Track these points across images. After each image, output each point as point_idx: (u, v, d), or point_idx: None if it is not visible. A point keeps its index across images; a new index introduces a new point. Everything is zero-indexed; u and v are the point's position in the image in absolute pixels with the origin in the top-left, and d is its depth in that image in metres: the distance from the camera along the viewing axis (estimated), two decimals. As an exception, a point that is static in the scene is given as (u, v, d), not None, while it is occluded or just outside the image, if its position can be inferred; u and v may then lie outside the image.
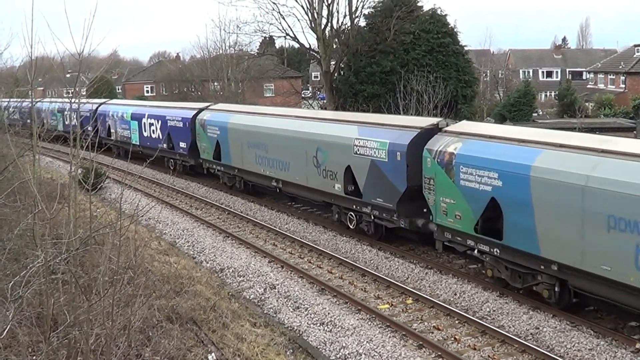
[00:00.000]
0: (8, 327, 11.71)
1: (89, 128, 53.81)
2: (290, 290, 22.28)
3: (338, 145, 28.40)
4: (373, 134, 26.69)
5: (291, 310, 20.70)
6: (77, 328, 13.49)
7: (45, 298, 14.30)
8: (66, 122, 59.71)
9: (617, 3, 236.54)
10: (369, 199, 26.91)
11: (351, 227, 28.73)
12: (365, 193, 27.03)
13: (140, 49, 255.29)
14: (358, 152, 27.10)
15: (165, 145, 44.63)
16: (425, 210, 24.50)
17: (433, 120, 26.24)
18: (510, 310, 20.15)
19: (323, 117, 33.17)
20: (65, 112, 60.91)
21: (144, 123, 49.04)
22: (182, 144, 43.68)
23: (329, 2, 58.33)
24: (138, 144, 50.31)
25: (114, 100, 64.40)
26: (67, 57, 19.04)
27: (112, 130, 54.86)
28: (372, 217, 27.17)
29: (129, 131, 51.89)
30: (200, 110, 42.72)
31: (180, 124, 43.46)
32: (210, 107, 43.09)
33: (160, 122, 46.48)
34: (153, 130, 47.74)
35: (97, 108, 56.58)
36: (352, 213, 28.51)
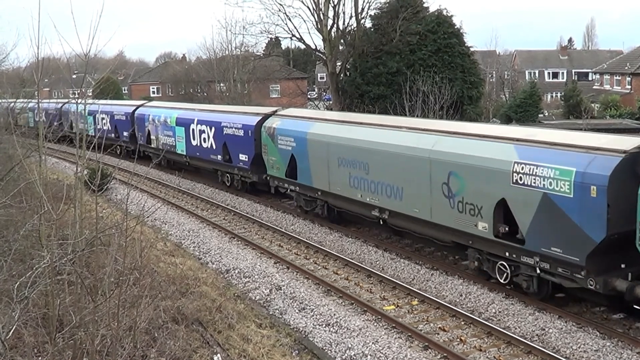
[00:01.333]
0: (14, 328, 11.74)
1: (125, 134, 53.68)
2: (296, 291, 22.28)
3: (485, 170, 21.40)
4: (545, 157, 19.73)
5: (297, 311, 20.70)
6: (82, 329, 13.50)
7: (51, 299, 14.31)
8: (98, 127, 57.13)
9: (622, 4, 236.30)
10: (536, 246, 19.96)
11: (501, 280, 21.68)
12: (531, 238, 20.03)
13: (146, 50, 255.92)
14: (520, 182, 20.08)
15: (220, 157, 39.79)
16: (623, 265, 18.70)
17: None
18: (516, 311, 20.12)
19: (454, 131, 24.49)
20: (97, 115, 57.74)
21: (193, 130, 42.83)
22: (243, 157, 37.50)
23: (335, 3, 58.30)
24: (185, 154, 44.53)
25: (155, 102, 58.61)
26: (73, 57, 19.15)
27: (153, 137, 49.12)
28: (538, 272, 20.29)
29: (173, 139, 45.82)
30: (267, 116, 36.12)
31: (241, 133, 37.22)
32: (278, 113, 36.41)
33: (213, 129, 40.25)
34: (204, 139, 41.53)
35: (134, 111, 53.17)
36: (503, 263, 21.52)
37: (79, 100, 64.52)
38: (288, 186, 33.46)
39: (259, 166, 36.03)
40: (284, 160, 33.00)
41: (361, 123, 29.32)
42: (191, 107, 48.69)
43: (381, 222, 27.22)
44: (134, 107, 54.03)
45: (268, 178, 35.28)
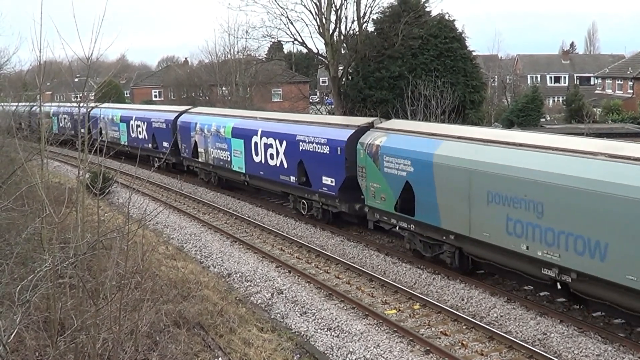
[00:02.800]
0: (15, 331, 11.73)
1: (165, 144, 47.25)
2: (298, 295, 22.29)
3: None
4: None
5: (298, 315, 20.70)
6: (84, 332, 13.50)
7: (52, 302, 14.31)
8: (132, 135, 53.05)
9: (624, 8, 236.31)
10: None
11: None
12: None
13: (148, 54, 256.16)
14: None
15: (294, 179, 32.75)
16: None
17: None
18: (518, 315, 20.12)
19: None
20: (132, 122, 53.28)
21: (256, 143, 35.95)
22: (328, 180, 30.15)
23: (338, 7, 58.27)
24: (243, 171, 37.76)
25: (202, 108, 50.76)
26: (75, 61, 19.11)
27: (201, 150, 42.56)
28: None
29: (227, 153, 39.26)
30: (362, 129, 28.73)
31: (325, 150, 30.11)
32: (379, 126, 28.53)
33: (284, 143, 33.26)
34: (271, 155, 34.54)
35: (177, 118, 46.40)
36: None
37: (110, 105, 59.12)
38: (397, 222, 26.06)
39: (350, 193, 29.18)
40: (393, 189, 25.90)
41: (522, 145, 21.26)
42: (251, 115, 40.98)
43: (558, 286, 20.18)
44: (177, 114, 46.94)
45: (366, 210, 28.08)
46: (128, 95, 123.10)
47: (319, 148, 30.51)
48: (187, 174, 44.50)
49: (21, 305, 12.09)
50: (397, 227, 26.51)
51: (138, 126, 52.26)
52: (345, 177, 28.91)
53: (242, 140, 37.10)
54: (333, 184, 29.82)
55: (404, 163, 25.06)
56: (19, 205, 17.85)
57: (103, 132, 57.47)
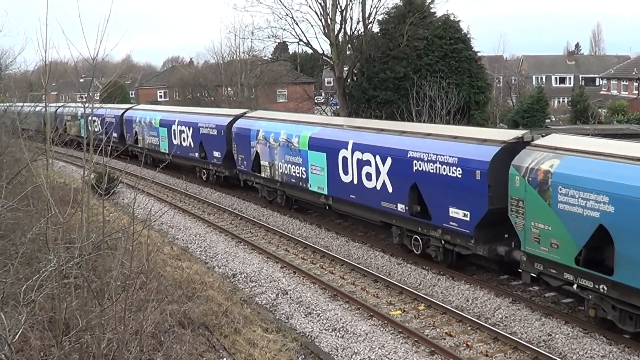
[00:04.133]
0: (20, 331, 11.74)
1: (216, 154, 41.25)
2: (303, 295, 22.27)
3: None
4: None
5: (303, 315, 20.69)
6: (89, 332, 13.50)
7: (57, 302, 14.32)
8: (174, 141, 46.29)
9: (629, 9, 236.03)
10: None
11: None
12: None
13: (153, 54, 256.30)
14: None
15: (403, 208, 25.73)
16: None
17: None
18: (523, 316, 20.09)
19: None
20: (174, 127, 46.46)
21: (344, 159, 28.94)
22: (459, 213, 23.27)
23: (343, 8, 58.32)
24: (325, 193, 30.72)
25: (261, 112, 42.20)
26: (80, 61, 19.10)
27: (264, 163, 35.54)
28: None
29: (302, 168, 32.13)
30: (511, 145, 22.06)
31: (455, 172, 23.12)
32: (539, 143, 21.45)
33: (389, 160, 26.21)
34: (368, 175, 27.47)
35: (231, 123, 39.59)
36: None
37: (148, 106, 53.43)
38: (576, 280, 19.20)
39: (491, 231, 22.67)
40: (574, 235, 18.94)
41: None
42: (335, 123, 33.01)
43: None
44: (231, 118, 40.07)
45: (521, 257, 21.09)
46: (133, 95, 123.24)
47: (445, 170, 23.50)
48: (242, 190, 40.18)
49: (26, 305, 12.10)
50: (575, 286, 19.46)
51: (182, 132, 45.27)
52: (487, 210, 22.13)
53: (325, 154, 30.36)
54: (467, 219, 22.93)
55: (595, 199, 18.14)
56: (24, 206, 17.86)
57: (139, 137, 52.50)
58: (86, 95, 24.30)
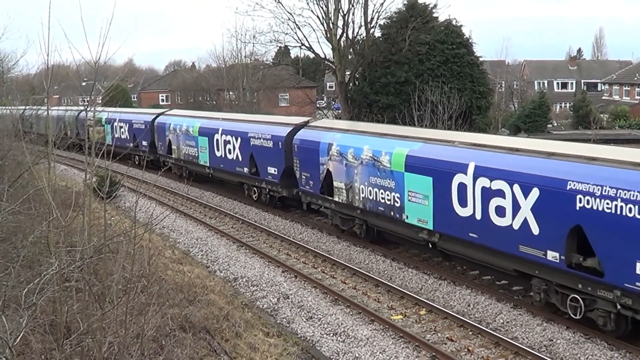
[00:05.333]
0: (21, 334, 11.74)
1: (272, 171, 35.10)
2: (304, 300, 22.26)
3: None
4: None
5: (304, 320, 20.68)
6: (90, 336, 13.51)
7: (58, 305, 14.31)
8: (217, 154, 40.38)
9: (632, 14, 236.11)
10: None
11: None
12: None
13: (155, 58, 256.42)
14: None
15: (558, 256, 19.44)
16: None
17: None
18: (524, 321, 20.08)
19: None
20: (217, 137, 40.23)
21: (463, 187, 22.72)
22: None
23: (345, 12, 58.46)
24: (430, 227, 24.44)
25: (327, 121, 37.53)
26: (83, 65, 19.14)
27: (339, 185, 29.39)
28: None
29: (396, 195, 25.95)
30: None
31: None
32: None
33: (537, 193, 19.94)
34: (499, 209, 21.31)
35: (290, 134, 33.61)
36: None
37: (183, 112, 47.90)
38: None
39: None
40: None
41: None
42: (443, 138, 26.06)
43: None
44: (290, 128, 34.06)
45: None
46: (135, 99, 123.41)
47: (632, 210, 17.25)
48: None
49: (27, 309, 12.10)
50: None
51: (227, 142, 39.19)
52: None
53: (431, 179, 24.29)
54: None
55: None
56: (25, 209, 17.89)
57: (173, 146, 46.57)
58: (88, 99, 24.30)
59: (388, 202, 26.40)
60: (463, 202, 22.66)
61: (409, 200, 25.25)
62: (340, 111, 67.75)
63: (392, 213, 26.27)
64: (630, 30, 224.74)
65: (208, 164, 41.56)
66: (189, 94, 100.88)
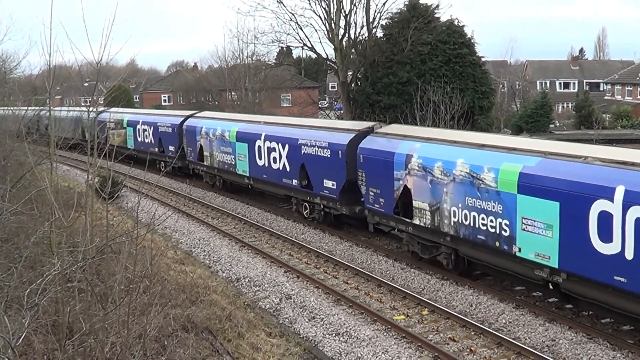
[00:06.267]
0: (24, 335, 11.75)
1: (330, 185, 30.30)
2: (306, 300, 22.26)
3: None
4: None
5: (307, 320, 20.68)
6: (92, 336, 13.51)
7: (61, 306, 14.33)
8: (259, 162, 35.85)
9: (634, 14, 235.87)
10: None
11: None
12: None
13: (158, 58, 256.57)
14: None
15: None
16: None
17: None
18: (527, 322, 20.06)
19: None
20: (259, 143, 35.58)
21: None
22: None
23: (347, 12, 58.43)
24: (555, 266, 19.65)
25: (415, 129, 30.65)
26: (85, 66, 19.16)
27: (445, 209, 23.47)
28: None
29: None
30: None
31: None
32: None
33: None
34: None
35: (355, 140, 28.85)
36: None
37: (216, 114, 44.84)
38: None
39: None
40: None
41: None
42: (587, 154, 20.15)
43: None
44: (352, 135, 29.39)
45: None
46: (137, 100, 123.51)
47: None
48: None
49: (30, 309, 12.11)
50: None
51: (272, 150, 34.63)
52: None
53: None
54: None
55: None
56: (28, 209, 17.90)
57: (205, 152, 42.19)
58: (90, 99, 24.31)
59: (491, 230, 21.56)
60: (606, 237, 18.03)
61: (523, 230, 20.52)
62: (342, 111, 67.78)
63: (496, 243, 21.47)
64: (632, 31, 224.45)
65: (247, 174, 37.24)
66: (191, 95, 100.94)
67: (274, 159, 34.25)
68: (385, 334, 19.73)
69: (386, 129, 29.14)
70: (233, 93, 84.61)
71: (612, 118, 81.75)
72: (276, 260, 27.37)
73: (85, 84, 58.14)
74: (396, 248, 24.02)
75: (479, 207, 21.92)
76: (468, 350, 18.55)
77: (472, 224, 22.28)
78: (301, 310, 21.49)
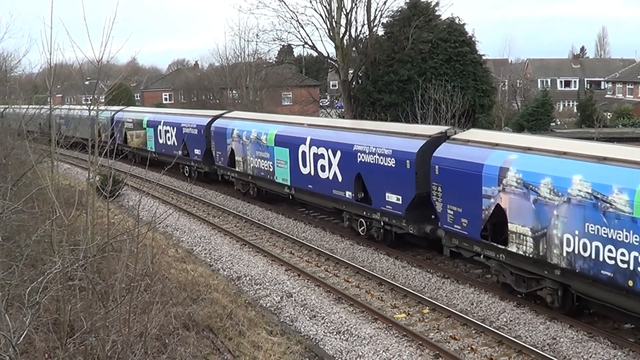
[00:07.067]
0: (25, 333, 11.74)
1: (393, 199, 26.33)
2: (307, 298, 22.26)
3: None
4: None
5: (307, 318, 20.68)
6: (93, 334, 13.52)
7: (62, 304, 14.33)
8: (303, 170, 32.16)
9: (635, 13, 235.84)
10: None
11: None
12: None
13: (159, 57, 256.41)
14: None
15: None
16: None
17: None
18: (527, 320, 20.06)
19: None
20: (304, 148, 31.79)
21: None
22: None
23: (348, 11, 58.47)
24: None
25: (502, 136, 26.28)
26: (86, 64, 19.16)
27: (554, 235, 19.29)
28: None
29: None
30: None
31: None
32: None
33: None
34: None
35: (426, 148, 24.95)
36: None
37: (250, 115, 41.55)
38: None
39: None
40: None
41: None
42: None
43: None
44: (422, 142, 25.42)
45: None
46: (138, 98, 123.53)
47: None
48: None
49: (31, 307, 12.11)
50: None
51: (319, 156, 30.74)
52: None
53: None
54: None
55: None
56: (29, 208, 17.89)
57: (237, 157, 38.36)
58: (91, 98, 24.29)
59: (622, 266, 17.37)
60: None
61: None
62: (343, 110, 67.81)
63: (629, 282, 17.29)
64: (633, 29, 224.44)
65: (289, 183, 33.54)
66: (192, 93, 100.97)
67: (322, 167, 30.54)
68: (386, 332, 19.73)
69: (465, 134, 24.86)
70: (234, 91, 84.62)
71: (613, 116, 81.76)
72: (277, 258, 27.37)
73: (86, 82, 58.02)
74: (479, 277, 22.03)
75: (604, 235, 17.80)
76: (469, 348, 18.55)
77: (593, 257, 18.15)
78: (302, 308, 21.50)
